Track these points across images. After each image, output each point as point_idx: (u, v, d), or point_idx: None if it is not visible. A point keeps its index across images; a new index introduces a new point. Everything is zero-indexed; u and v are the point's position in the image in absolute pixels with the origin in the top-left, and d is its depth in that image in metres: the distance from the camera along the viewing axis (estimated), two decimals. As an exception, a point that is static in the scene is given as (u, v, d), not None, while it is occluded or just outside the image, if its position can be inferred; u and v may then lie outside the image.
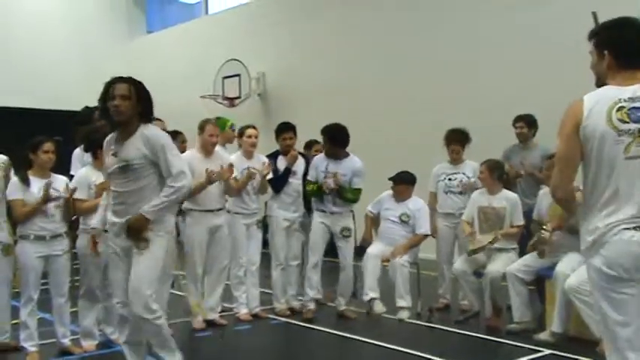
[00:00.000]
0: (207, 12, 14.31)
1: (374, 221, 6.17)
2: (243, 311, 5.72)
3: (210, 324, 5.47)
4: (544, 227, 5.15)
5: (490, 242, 5.39)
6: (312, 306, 5.87)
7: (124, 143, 3.63)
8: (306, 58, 11.17)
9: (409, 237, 5.92)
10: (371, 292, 5.70)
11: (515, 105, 6.91)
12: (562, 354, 4.58)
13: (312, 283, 5.83)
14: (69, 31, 13.97)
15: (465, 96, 8.62)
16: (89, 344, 4.78)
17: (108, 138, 3.77)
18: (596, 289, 2.56)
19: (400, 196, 6.02)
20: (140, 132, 3.63)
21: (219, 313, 5.61)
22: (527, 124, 6.21)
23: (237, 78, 11.72)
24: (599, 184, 2.53)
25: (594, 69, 2.68)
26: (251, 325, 5.58)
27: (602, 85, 2.62)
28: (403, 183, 6.01)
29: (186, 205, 5.36)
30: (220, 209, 5.47)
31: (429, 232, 5.99)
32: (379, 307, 5.69)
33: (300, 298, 6.17)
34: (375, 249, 5.89)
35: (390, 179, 6.06)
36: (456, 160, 6.10)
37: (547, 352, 4.69)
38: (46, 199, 4.41)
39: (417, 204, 6.00)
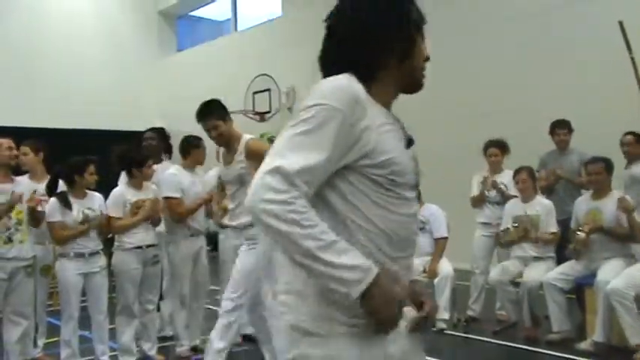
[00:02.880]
0: (236, 29, 14.47)
1: None
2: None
3: (246, 338, 5.47)
4: (580, 228, 5.08)
5: (521, 236, 5.35)
6: None
7: None
8: (335, 71, 11.19)
9: (431, 242, 5.92)
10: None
11: (544, 111, 6.84)
12: (605, 364, 4.49)
13: None
14: (100, 51, 14.27)
15: (493, 105, 8.55)
16: (128, 360, 4.82)
17: None
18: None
19: None
20: None
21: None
22: (569, 130, 6.09)
23: (267, 93, 11.82)
24: None
25: (226, 134, 4.17)
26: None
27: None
28: None
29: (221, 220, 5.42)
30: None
31: (446, 235, 5.93)
32: None
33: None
34: None
35: None
36: (495, 165, 6.02)
37: (589, 362, 4.60)
38: (88, 228, 4.48)
39: (429, 209, 6.01)
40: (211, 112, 4.18)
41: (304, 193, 1.43)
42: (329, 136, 1.45)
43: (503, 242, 5.57)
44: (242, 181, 4.08)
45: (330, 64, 1.63)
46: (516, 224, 5.46)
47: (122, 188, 4.84)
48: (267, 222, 1.40)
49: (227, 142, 4.18)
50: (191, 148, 5.10)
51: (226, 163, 4.24)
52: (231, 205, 4.30)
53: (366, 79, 1.58)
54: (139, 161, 4.76)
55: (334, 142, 1.46)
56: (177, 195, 4.88)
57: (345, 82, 1.52)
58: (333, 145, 1.46)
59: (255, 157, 3.93)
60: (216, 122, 4.14)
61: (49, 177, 4.76)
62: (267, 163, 1.44)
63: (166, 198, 4.87)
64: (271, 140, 6.01)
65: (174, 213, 4.90)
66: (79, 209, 4.51)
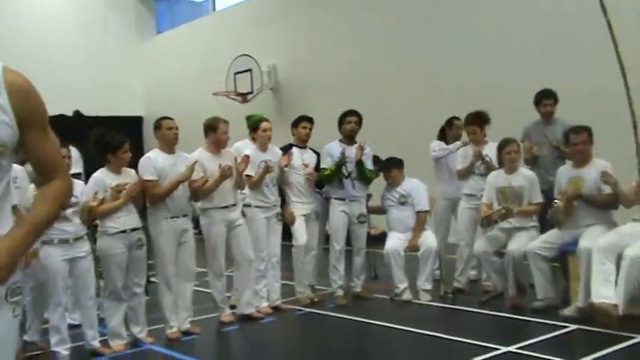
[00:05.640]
0: (214, 9, 14.33)
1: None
2: (263, 305, 5.71)
3: (245, 318, 5.48)
4: (556, 198, 5.14)
5: (498, 211, 5.37)
6: (341, 293, 6.02)
7: None
8: (316, 49, 11.14)
9: (414, 216, 6.04)
10: (401, 284, 5.89)
11: (522, 83, 6.86)
12: (589, 328, 4.57)
13: (339, 270, 6.00)
14: (78, 35, 14.08)
15: (477, 78, 8.56)
16: (118, 344, 4.83)
17: None
18: None
19: (395, 181, 6.13)
20: None
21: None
22: (554, 101, 6.09)
23: (248, 73, 11.74)
24: None
25: None
26: (276, 317, 5.60)
27: None
28: (394, 168, 6.15)
29: (201, 203, 5.41)
30: (234, 205, 5.47)
31: (427, 208, 6.08)
32: (407, 295, 5.85)
33: (319, 287, 6.27)
34: (392, 242, 5.96)
35: (380, 170, 6.19)
36: (476, 140, 6.04)
37: (573, 327, 4.67)
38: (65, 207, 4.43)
39: (410, 183, 6.16)
40: None
41: None
42: None
43: (485, 223, 5.53)
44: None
45: None
46: (500, 207, 5.42)
47: (101, 173, 4.82)
48: None
49: None
50: (155, 130, 5.15)
51: None
52: None
53: None
54: (114, 146, 4.74)
55: None
56: (152, 177, 4.94)
57: None
58: None
59: (28, 105, 1.89)
60: None
61: None
62: None
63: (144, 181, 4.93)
64: (261, 120, 5.87)
65: (151, 195, 4.95)
66: None
